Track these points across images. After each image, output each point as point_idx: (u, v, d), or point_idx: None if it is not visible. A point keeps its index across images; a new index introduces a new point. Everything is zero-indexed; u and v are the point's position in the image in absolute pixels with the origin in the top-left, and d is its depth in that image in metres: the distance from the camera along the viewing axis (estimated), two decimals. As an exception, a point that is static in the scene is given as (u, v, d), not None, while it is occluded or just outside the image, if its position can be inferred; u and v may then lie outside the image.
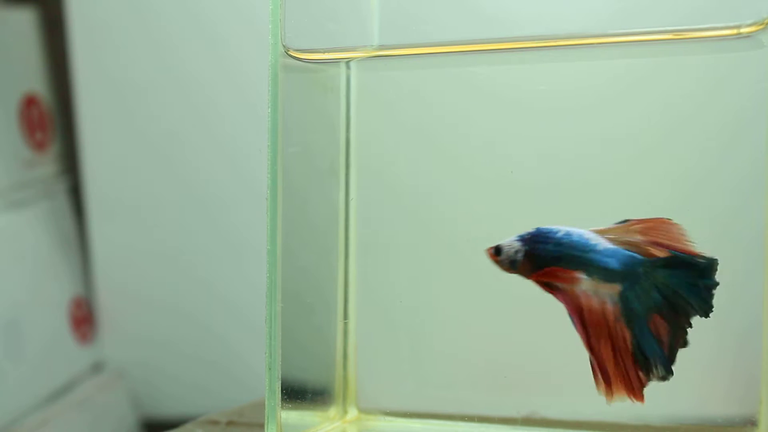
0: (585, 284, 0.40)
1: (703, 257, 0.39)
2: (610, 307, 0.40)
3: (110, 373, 0.85)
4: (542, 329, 0.44)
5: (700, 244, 0.42)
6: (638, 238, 0.40)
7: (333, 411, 0.47)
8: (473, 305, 0.45)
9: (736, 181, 0.41)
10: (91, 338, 0.86)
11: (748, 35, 0.40)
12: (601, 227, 0.40)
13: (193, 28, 0.79)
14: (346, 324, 0.47)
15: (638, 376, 0.39)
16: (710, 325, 0.42)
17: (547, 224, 0.42)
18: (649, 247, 0.40)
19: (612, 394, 0.40)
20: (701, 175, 0.42)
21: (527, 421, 0.44)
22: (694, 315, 0.39)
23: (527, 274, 0.41)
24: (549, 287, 0.40)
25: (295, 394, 0.44)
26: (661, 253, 0.39)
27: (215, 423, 0.52)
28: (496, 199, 0.44)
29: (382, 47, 0.46)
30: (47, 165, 0.84)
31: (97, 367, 0.86)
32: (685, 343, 0.39)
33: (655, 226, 0.40)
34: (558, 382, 0.44)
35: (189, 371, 0.84)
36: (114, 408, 0.83)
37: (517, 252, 0.41)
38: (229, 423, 0.52)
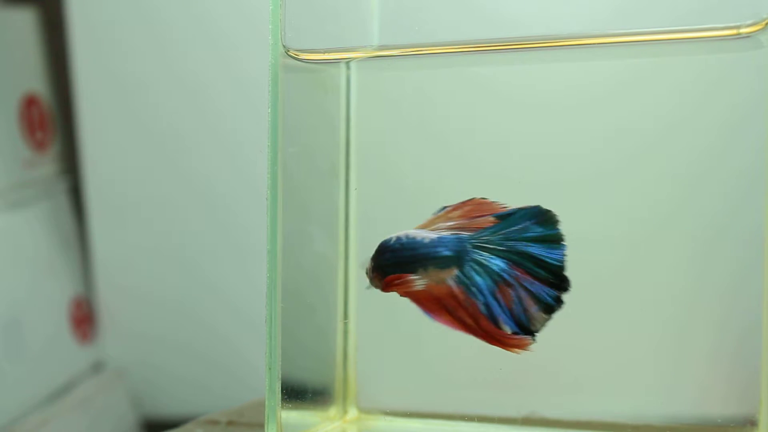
0: (426, 278, 0.41)
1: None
2: (456, 289, 0.41)
3: (110, 373, 0.85)
4: (542, 329, 0.44)
5: (700, 244, 0.42)
6: (461, 220, 0.41)
7: (333, 411, 0.47)
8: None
9: (735, 181, 0.41)
10: (91, 338, 0.86)
11: (748, 35, 0.40)
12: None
13: (194, 28, 0.79)
14: (346, 324, 0.47)
15: (509, 334, 0.41)
16: (710, 324, 0.42)
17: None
18: (474, 224, 0.41)
19: (502, 346, 0.41)
20: (700, 175, 0.42)
21: (527, 421, 0.44)
22: (549, 269, 0.40)
23: (381, 287, 0.43)
24: (404, 294, 0.42)
25: (295, 393, 0.44)
26: (487, 224, 0.41)
27: (215, 423, 0.52)
28: (497, 199, 0.44)
29: (382, 47, 0.46)
30: (47, 165, 0.84)
31: (97, 367, 0.86)
32: (553, 299, 0.40)
33: (473, 206, 0.41)
34: (558, 382, 0.44)
35: (189, 371, 0.84)
36: (114, 408, 0.83)
37: (370, 270, 0.43)
38: (230, 423, 0.52)
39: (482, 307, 0.40)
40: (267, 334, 0.42)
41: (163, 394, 0.85)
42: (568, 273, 0.42)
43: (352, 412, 0.47)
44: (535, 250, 0.40)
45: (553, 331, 0.43)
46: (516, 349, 0.41)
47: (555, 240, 0.40)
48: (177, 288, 0.83)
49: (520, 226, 0.41)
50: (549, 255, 0.40)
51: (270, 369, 0.42)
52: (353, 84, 0.47)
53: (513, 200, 0.42)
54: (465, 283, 0.41)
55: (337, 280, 0.47)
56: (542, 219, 0.40)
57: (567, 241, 0.42)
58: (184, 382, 0.84)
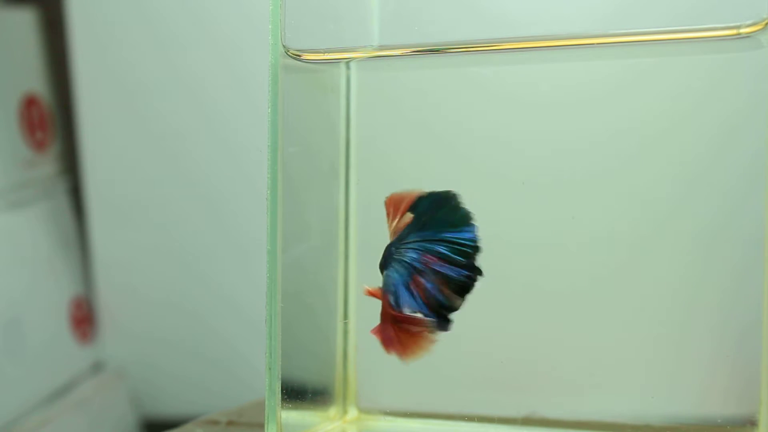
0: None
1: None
2: (379, 290, 0.42)
3: (110, 373, 0.85)
4: (542, 329, 0.44)
5: (700, 244, 0.42)
6: (393, 223, 0.42)
7: (333, 411, 0.47)
8: (473, 305, 0.45)
9: (735, 181, 0.41)
10: (91, 338, 0.86)
11: (748, 35, 0.40)
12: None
13: (194, 28, 0.79)
14: (346, 324, 0.47)
15: (420, 327, 0.42)
16: (710, 324, 0.42)
17: (546, 221, 0.42)
18: (401, 225, 0.42)
19: (408, 354, 0.42)
20: (700, 175, 0.42)
21: (527, 421, 0.44)
22: (460, 249, 0.41)
23: None
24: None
25: (295, 393, 0.44)
26: (407, 219, 0.42)
27: (215, 423, 0.52)
28: (495, 198, 0.44)
29: (382, 47, 0.46)
30: (47, 165, 0.84)
31: (97, 367, 0.86)
32: (463, 283, 0.41)
33: (391, 204, 0.42)
34: (558, 382, 0.44)
35: (189, 371, 0.84)
36: (114, 408, 0.83)
37: None
38: (230, 423, 0.52)
39: (391, 298, 0.42)
40: (267, 334, 0.42)
41: (163, 394, 0.85)
42: (569, 272, 0.42)
43: (352, 412, 0.47)
44: (447, 234, 0.41)
45: (553, 331, 0.43)
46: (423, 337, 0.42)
47: (463, 221, 0.41)
48: (177, 288, 0.83)
49: (430, 215, 0.41)
50: (459, 236, 0.41)
51: (270, 369, 0.42)
52: (353, 84, 0.47)
53: (513, 200, 0.42)
54: (386, 283, 0.42)
55: (337, 280, 0.47)
56: (447, 204, 0.41)
57: (567, 242, 0.42)
58: (184, 382, 0.84)
